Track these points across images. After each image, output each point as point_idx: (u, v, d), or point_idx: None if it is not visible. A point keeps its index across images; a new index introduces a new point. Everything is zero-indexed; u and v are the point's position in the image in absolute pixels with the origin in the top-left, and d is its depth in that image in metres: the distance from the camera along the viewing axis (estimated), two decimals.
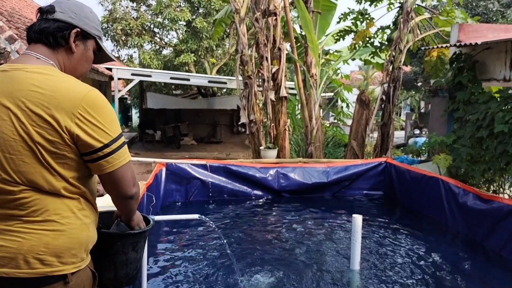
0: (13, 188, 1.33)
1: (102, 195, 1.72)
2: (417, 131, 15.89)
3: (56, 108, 1.32)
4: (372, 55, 8.44)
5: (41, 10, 1.50)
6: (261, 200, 5.82)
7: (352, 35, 8.72)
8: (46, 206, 1.35)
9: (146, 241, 1.85)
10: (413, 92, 22.19)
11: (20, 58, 1.46)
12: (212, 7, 16.48)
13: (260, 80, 7.38)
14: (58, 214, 1.37)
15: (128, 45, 17.87)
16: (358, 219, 3.51)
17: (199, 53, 17.15)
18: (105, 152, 1.39)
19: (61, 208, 1.38)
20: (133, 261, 1.70)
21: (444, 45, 6.88)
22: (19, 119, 1.31)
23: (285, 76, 7.41)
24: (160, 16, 16.90)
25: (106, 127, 1.39)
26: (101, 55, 1.63)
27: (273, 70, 7.24)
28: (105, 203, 1.85)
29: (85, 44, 1.53)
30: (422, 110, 22.08)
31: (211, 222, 2.98)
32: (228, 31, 16.13)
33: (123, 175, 1.45)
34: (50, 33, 1.45)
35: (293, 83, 10.46)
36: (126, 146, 1.48)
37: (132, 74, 12.36)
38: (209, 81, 13.39)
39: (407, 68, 16.12)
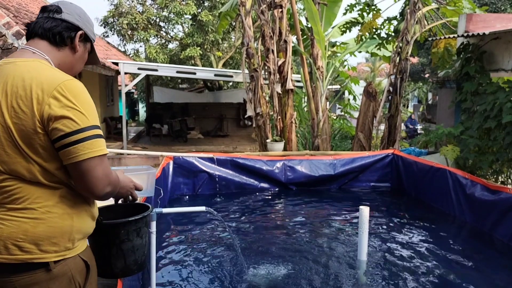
0: None
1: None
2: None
3: (33, 96, 1.36)
4: (379, 47, 8.39)
5: (47, 9, 1.57)
6: (268, 193, 5.84)
7: (358, 26, 8.67)
8: (28, 195, 1.40)
9: (155, 231, 1.88)
10: (421, 84, 22.04)
11: (17, 53, 1.53)
12: (218, 0, 16.44)
13: (266, 73, 7.37)
14: (38, 203, 1.40)
15: (134, 40, 17.91)
16: (365, 210, 3.51)
17: (205, 46, 17.14)
18: (77, 138, 1.36)
19: (42, 196, 1.41)
20: (140, 247, 1.76)
21: (451, 36, 6.83)
22: (2, 111, 1.37)
23: (291, 68, 7.39)
24: (165, 10, 16.89)
25: (82, 112, 1.37)
26: (91, 57, 1.72)
27: (279, 62, 7.22)
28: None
29: (85, 45, 1.64)
30: (430, 102, 21.94)
31: (218, 214, 3.00)
32: (233, 24, 16.10)
33: (91, 169, 1.38)
34: (58, 32, 1.54)
35: (299, 75, 10.42)
36: (102, 140, 1.42)
37: (139, 69, 12.38)
38: (215, 75, 13.39)
39: (414, 60, 16.01)
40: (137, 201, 1.87)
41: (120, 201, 1.81)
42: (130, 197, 1.75)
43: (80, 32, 1.58)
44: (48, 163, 1.40)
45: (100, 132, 1.42)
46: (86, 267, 1.52)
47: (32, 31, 1.55)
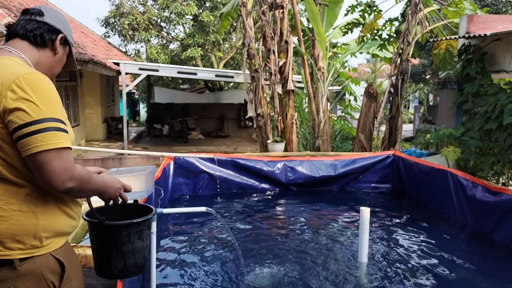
0: None
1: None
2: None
3: None
4: (380, 48, 8.39)
5: (28, 11, 1.60)
6: (268, 194, 5.83)
7: (360, 27, 8.67)
8: None
9: (155, 232, 1.86)
10: (422, 85, 22.00)
11: None
12: (219, 0, 16.45)
13: (267, 73, 7.37)
14: (2, 200, 1.40)
15: (135, 40, 17.93)
16: (366, 211, 3.50)
17: (206, 47, 17.15)
18: (30, 130, 1.33)
19: (5, 194, 1.41)
20: (140, 250, 1.74)
21: (453, 37, 6.82)
22: None
23: (292, 69, 7.39)
24: (166, 10, 16.90)
25: (37, 104, 1.35)
26: (68, 61, 1.76)
27: (280, 63, 7.22)
28: None
29: (65, 49, 1.68)
30: (431, 103, 21.88)
31: (218, 215, 2.99)
32: (234, 24, 16.10)
33: (47, 162, 1.34)
34: (40, 34, 1.58)
35: (300, 76, 10.42)
36: (61, 133, 1.38)
37: (140, 69, 12.40)
38: (216, 75, 13.41)
39: (416, 61, 15.99)
40: (138, 202, 1.86)
41: (111, 203, 1.73)
42: (120, 198, 1.68)
43: (61, 35, 1.63)
44: (10, 156, 1.40)
45: (59, 125, 1.38)
46: (60, 266, 1.49)
47: (13, 32, 1.57)
